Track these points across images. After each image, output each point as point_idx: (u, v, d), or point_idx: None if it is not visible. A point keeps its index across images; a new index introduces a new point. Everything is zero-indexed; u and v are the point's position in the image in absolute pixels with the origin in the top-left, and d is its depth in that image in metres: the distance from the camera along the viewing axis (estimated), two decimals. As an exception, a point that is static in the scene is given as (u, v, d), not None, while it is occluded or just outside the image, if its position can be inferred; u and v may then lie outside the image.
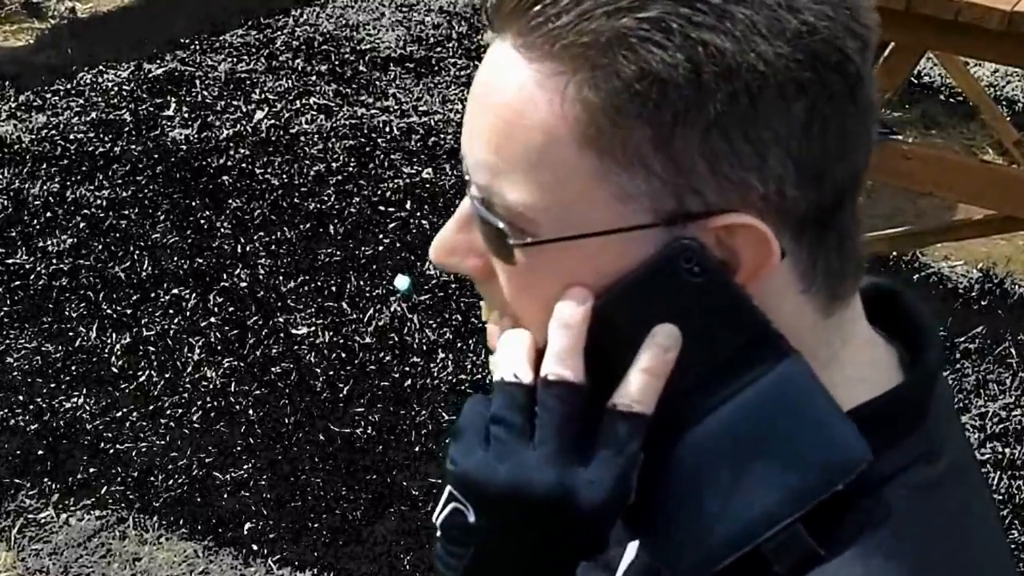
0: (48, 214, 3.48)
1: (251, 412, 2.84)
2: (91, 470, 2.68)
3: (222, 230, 3.45)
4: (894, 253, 3.57)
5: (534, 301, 0.68)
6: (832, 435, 0.65)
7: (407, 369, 3.00)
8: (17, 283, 3.21)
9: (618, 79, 0.61)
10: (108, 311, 3.12)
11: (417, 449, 2.75)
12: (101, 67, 4.27)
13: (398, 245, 3.44)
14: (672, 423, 0.67)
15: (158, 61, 4.34)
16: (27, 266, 3.27)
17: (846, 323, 0.71)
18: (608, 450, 0.66)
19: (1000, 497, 2.80)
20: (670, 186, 0.63)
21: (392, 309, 3.19)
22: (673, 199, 0.63)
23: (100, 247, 3.35)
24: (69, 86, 4.13)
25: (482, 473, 0.66)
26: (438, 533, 0.70)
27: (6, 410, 2.82)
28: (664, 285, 0.65)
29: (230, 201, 3.58)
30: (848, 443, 0.65)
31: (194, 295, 3.19)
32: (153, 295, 3.18)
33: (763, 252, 0.65)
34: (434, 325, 3.14)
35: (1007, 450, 2.93)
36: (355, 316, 3.16)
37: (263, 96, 4.16)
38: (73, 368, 2.94)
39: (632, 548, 0.81)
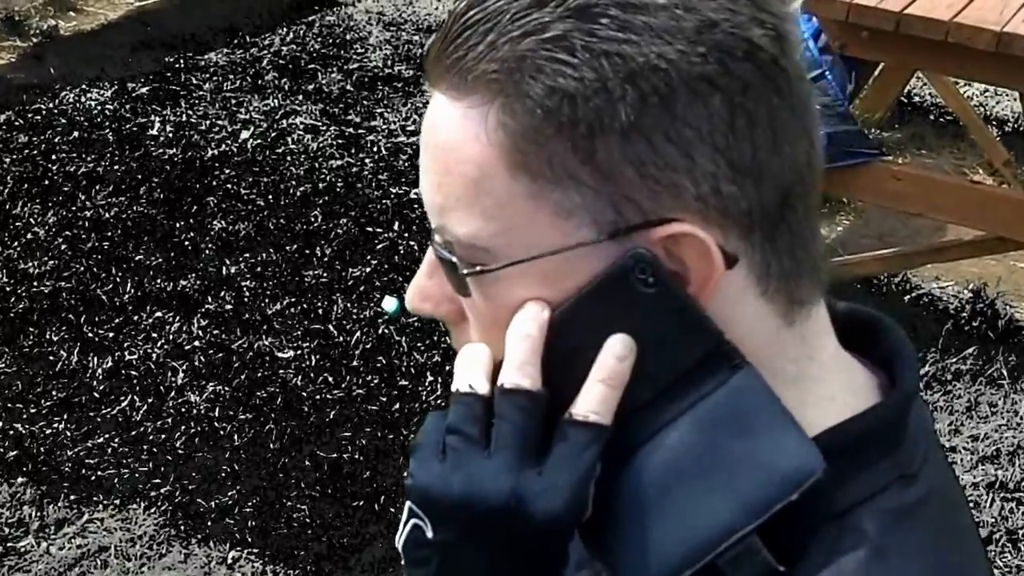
0: (29, 235, 3.44)
1: (236, 437, 2.80)
2: (72, 497, 2.64)
3: (206, 251, 3.42)
4: (885, 274, 3.56)
5: (500, 329, 0.68)
6: (784, 446, 0.65)
7: (395, 392, 2.97)
8: (-2, 306, 3.16)
9: (529, 100, 0.63)
10: (90, 334, 3.07)
11: (405, 474, 2.71)
12: (84, 86, 4.23)
13: (386, 266, 3.41)
14: (626, 439, 0.67)
15: (142, 79, 4.31)
16: (7, 288, 3.22)
17: (811, 336, 0.70)
18: (563, 459, 0.66)
19: (992, 520, 2.79)
20: (604, 196, 0.64)
21: (380, 331, 3.15)
22: (610, 209, 0.64)
23: (82, 269, 3.31)
24: (51, 105, 4.10)
25: (437, 484, 0.67)
26: (402, 561, 0.70)
27: (-15, 436, 2.78)
28: (618, 295, 0.65)
29: (215, 222, 3.54)
30: (801, 453, 0.65)
31: (178, 318, 3.15)
32: (136, 318, 3.14)
33: (707, 262, 0.65)
34: (422, 348, 3.11)
35: (999, 472, 2.91)
36: (342, 339, 3.12)
37: (249, 115, 4.13)
38: (54, 393, 2.90)
39: None
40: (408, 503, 0.69)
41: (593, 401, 0.66)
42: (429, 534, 0.67)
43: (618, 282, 0.65)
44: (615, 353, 0.66)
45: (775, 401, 0.66)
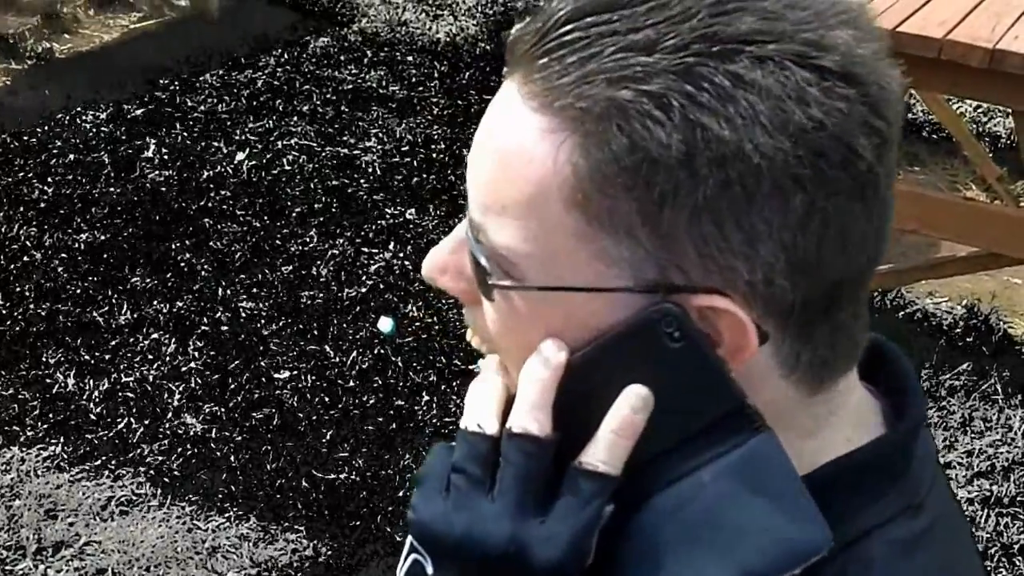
0: (25, 258, 3.44)
1: (232, 459, 2.80)
2: (69, 520, 2.63)
3: (202, 273, 3.42)
4: (878, 290, 3.56)
5: (513, 340, 0.68)
6: (794, 518, 0.64)
7: (391, 412, 2.96)
8: (-6, 329, 3.16)
9: (608, 150, 0.61)
10: (86, 357, 3.07)
11: (402, 494, 2.71)
12: (79, 108, 4.24)
13: (381, 287, 3.41)
14: (636, 489, 0.66)
15: (137, 102, 4.31)
16: (3, 311, 3.22)
17: (835, 397, 0.70)
18: (568, 508, 0.64)
19: (987, 535, 2.79)
20: (654, 259, 0.63)
21: (376, 352, 3.15)
22: (656, 270, 0.63)
23: (78, 291, 3.31)
24: (46, 127, 4.10)
25: (439, 522, 0.66)
26: None
27: (-18, 459, 2.77)
28: (642, 347, 0.64)
29: (210, 243, 3.55)
30: (810, 528, 0.64)
31: (174, 340, 3.15)
32: (132, 340, 3.14)
33: (742, 338, 0.64)
34: (418, 367, 3.11)
35: (994, 488, 2.91)
36: (338, 359, 3.12)
37: (244, 137, 4.14)
38: (50, 415, 2.89)
39: None
40: (409, 537, 0.68)
41: (603, 451, 0.65)
42: (429, 570, 0.66)
43: (644, 333, 0.64)
44: (630, 405, 0.65)
45: (791, 471, 0.65)
